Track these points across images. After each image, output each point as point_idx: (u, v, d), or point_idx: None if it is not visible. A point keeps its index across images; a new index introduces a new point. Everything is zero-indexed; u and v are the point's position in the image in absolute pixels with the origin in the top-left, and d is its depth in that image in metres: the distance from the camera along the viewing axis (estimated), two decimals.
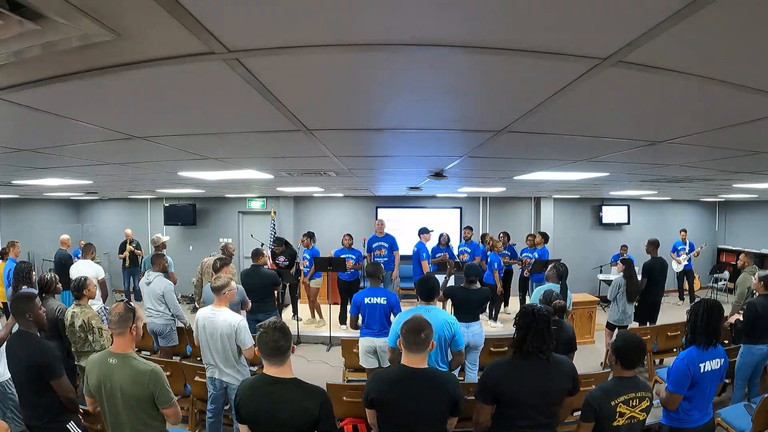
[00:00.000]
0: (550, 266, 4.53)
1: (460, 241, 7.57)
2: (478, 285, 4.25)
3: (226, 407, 3.45)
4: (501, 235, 7.42)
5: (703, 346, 2.51)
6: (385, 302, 4.05)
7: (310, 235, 6.88)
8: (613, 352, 2.25)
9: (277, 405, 1.85)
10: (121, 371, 2.16)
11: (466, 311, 4.05)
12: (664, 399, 2.55)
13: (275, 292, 5.11)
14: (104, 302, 5.10)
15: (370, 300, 4.08)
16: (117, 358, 2.19)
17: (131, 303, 2.28)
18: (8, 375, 3.05)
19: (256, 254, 5.08)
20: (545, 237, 7.37)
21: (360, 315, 4.13)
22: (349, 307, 6.62)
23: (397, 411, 2.08)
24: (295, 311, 7.15)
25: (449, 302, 4.31)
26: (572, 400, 2.28)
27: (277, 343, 1.87)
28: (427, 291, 3.32)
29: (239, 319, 3.19)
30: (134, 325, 2.22)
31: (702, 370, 2.48)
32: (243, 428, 1.96)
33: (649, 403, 2.22)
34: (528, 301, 6.03)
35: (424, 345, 2.09)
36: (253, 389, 1.93)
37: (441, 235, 7.15)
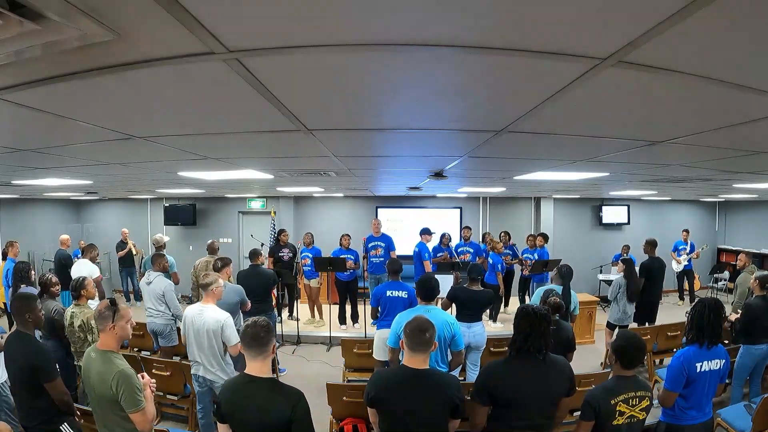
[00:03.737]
0: (555, 269, 4.52)
1: (460, 240, 7.57)
2: (480, 286, 4.24)
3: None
4: (502, 234, 7.42)
5: (707, 345, 2.50)
6: (407, 296, 4.14)
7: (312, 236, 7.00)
8: (613, 351, 2.25)
9: (250, 403, 1.87)
10: (95, 368, 2.14)
11: (470, 312, 4.04)
12: (660, 396, 2.56)
13: (273, 292, 5.10)
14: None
15: (392, 293, 4.17)
16: (97, 354, 2.17)
17: (117, 302, 2.22)
18: (5, 377, 3.05)
19: (254, 254, 5.08)
20: (545, 237, 7.37)
21: (380, 307, 4.20)
22: (348, 306, 6.71)
23: (397, 411, 2.07)
24: (291, 311, 7.16)
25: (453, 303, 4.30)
26: (569, 400, 2.28)
27: (258, 334, 1.90)
28: (427, 291, 3.32)
29: (226, 316, 3.21)
30: (114, 324, 2.15)
31: (699, 370, 2.47)
32: (222, 428, 1.96)
33: (649, 403, 2.22)
34: (527, 301, 6.02)
35: (428, 345, 2.09)
36: (232, 388, 1.96)
37: (443, 235, 7.18)
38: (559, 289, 4.20)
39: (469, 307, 4.05)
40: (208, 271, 3.50)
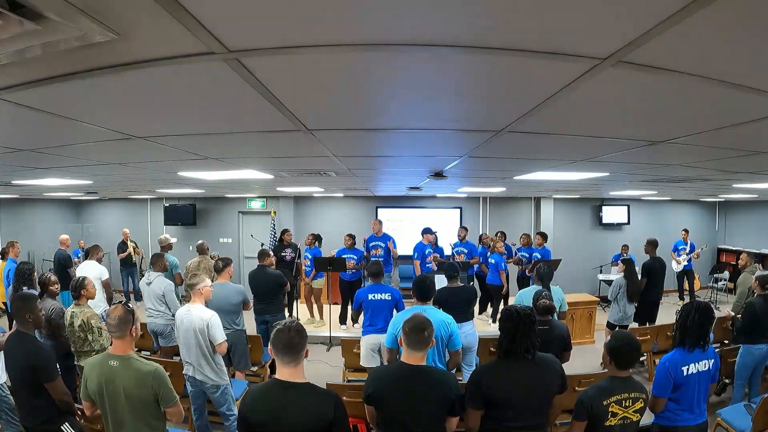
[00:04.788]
0: (533, 270, 4.49)
1: (457, 240, 7.57)
2: (468, 282, 4.21)
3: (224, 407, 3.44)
4: (498, 234, 7.43)
5: (689, 348, 2.46)
6: (390, 298, 4.05)
7: (317, 237, 6.99)
8: (608, 352, 2.24)
9: (291, 409, 1.80)
10: (124, 373, 2.15)
11: (458, 309, 3.94)
12: (649, 403, 2.48)
13: (284, 292, 5.08)
14: (109, 304, 5.05)
15: (374, 296, 4.05)
16: (118, 360, 2.17)
17: (129, 304, 2.28)
18: (5, 377, 3.04)
19: (262, 255, 5.06)
20: (544, 237, 7.37)
21: (363, 312, 4.09)
22: (349, 306, 6.69)
23: (395, 408, 2.08)
24: (290, 311, 7.16)
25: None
26: (562, 399, 2.27)
27: (292, 340, 1.82)
28: (423, 291, 3.32)
29: (210, 314, 3.20)
30: (134, 327, 2.21)
31: (686, 373, 2.42)
32: None
33: (643, 404, 2.20)
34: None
35: (426, 343, 2.10)
36: (265, 394, 1.87)
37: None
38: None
39: (458, 305, 3.97)
40: (196, 271, 3.50)
